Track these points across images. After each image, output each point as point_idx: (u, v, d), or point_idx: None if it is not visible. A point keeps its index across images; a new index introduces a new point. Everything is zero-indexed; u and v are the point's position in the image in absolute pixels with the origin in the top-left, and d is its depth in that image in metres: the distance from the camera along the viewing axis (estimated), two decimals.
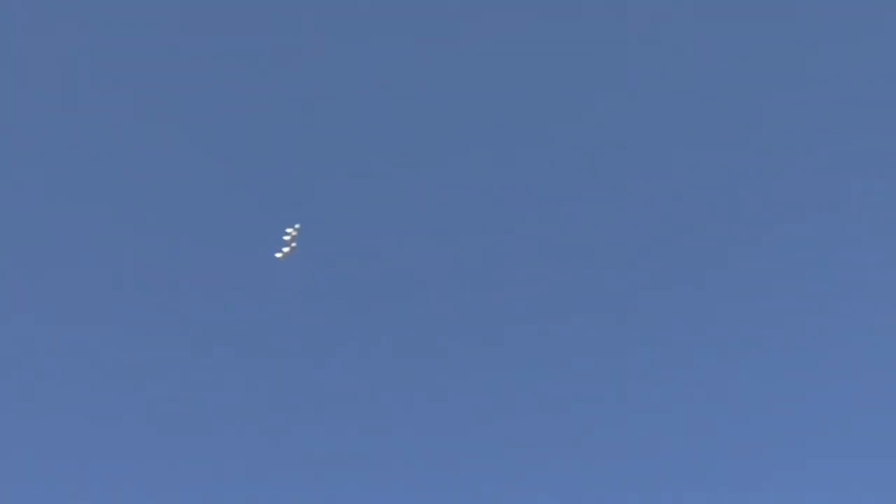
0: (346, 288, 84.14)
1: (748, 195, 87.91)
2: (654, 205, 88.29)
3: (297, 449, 77.63)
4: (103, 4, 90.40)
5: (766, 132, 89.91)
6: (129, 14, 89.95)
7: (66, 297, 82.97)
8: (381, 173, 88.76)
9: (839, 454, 76.50)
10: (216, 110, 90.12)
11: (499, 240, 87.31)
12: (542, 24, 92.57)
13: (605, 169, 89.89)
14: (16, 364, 79.59)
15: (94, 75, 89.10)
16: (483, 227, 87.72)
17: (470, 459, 77.36)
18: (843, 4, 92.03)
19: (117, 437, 77.48)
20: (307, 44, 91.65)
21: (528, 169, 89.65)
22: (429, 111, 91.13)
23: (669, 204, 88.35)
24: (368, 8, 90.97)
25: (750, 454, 77.20)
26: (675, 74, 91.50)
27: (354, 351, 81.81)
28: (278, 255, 60.03)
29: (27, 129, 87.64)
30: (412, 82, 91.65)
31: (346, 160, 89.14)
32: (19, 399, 78.24)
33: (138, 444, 77.17)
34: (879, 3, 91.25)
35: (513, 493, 75.45)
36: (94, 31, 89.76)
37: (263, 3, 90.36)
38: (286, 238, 60.98)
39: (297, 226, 60.59)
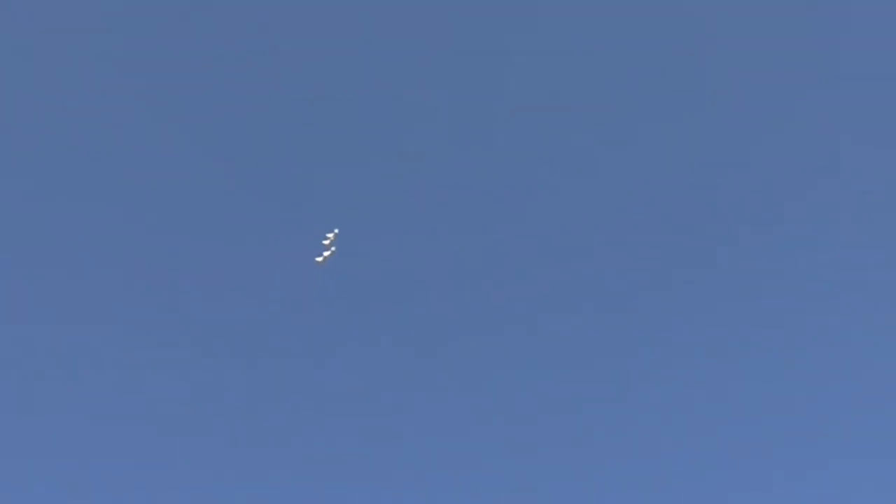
0: (347, 287, 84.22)
1: (750, 195, 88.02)
2: (654, 204, 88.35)
3: (297, 449, 77.70)
4: (104, 4, 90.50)
5: (766, 132, 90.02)
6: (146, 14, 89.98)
7: (74, 298, 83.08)
8: (382, 172, 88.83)
9: (840, 454, 76.64)
10: (223, 110, 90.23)
11: (498, 240, 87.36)
12: (539, 23, 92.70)
13: (605, 168, 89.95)
14: (16, 364, 79.65)
15: (114, 75, 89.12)
16: (483, 228, 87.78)
17: (470, 459, 77.43)
18: (844, 4, 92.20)
19: (117, 437, 77.60)
20: (329, 47, 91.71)
21: (529, 168, 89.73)
22: (428, 109, 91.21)
23: (670, 204, 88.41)
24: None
25: (750, 454, 77.33)
26: (676, 74, 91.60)
27: (354, 351, 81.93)
28: (318, 259, 61.76)
29: (29, 129, 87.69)
30: (408, 81, 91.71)
31: (346, 160, 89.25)
32: (19, 399, 78.28)
33: (138, 444, 77.26)
34: (879, 3, 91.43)
35: (513, 493, 75.53)
36: (100, 31, 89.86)
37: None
38: (325, 242, 62.74)
39: (335, 230, 62.04)
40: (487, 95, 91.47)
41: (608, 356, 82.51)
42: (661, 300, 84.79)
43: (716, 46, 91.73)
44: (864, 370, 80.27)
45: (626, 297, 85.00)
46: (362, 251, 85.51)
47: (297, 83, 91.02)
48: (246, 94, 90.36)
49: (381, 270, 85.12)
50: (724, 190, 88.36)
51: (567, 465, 76.93)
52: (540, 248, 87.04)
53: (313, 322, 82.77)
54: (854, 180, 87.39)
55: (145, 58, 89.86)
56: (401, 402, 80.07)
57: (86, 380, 79.41)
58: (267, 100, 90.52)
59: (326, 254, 61.73)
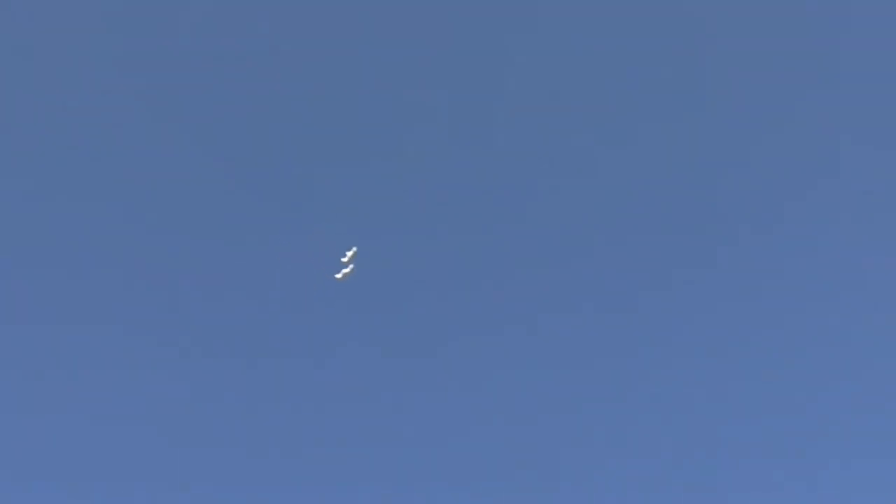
0: (348, 287, 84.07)
1: (750, 194, 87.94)
2: (654, 204, 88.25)
3: (297, 449, 77.65)
4: (103, 4, 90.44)
5: (767, 132, 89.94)
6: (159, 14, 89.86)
7: (74, 297, 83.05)
8: (382, 172, 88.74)
9: (841, 455, 76.58)
10: (221, 110, 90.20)
11: (498, 240, 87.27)
12: (540, 23, 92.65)
13: (605, 168, 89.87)
14: (16, 364, 79.61)
15: (123, 75, 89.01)
16: (483, 228, 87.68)
17: (470, 460, 77.37)
18: (844, 4, 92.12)
19: (117, 437, 77.56)
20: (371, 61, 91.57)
21: (529, 168, 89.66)
22: (427, 109, 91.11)
23: (670, 203, 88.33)
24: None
25: (750, 455, 77.27)
26: (676, 73, 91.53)
27: (355, 352, 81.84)
28: (338, 275, 64.42)
29: (29, 128, 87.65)
30: (406, 79, 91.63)
31: (345, 160, 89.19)
32: (18, 399, 78.24)
33: (138, 444, 77.21)
34: (878, 4, 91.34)
35: (513, 493, 75.48)
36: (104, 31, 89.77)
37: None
38: (344, 260, 65.12)
39: (354, 249, 64.84)
40: (486, 95, 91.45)
41: (608, 356, 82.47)
42: (661, 300, 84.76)
43: (716, 46, 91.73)
44: (864, 370, 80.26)
45: (626, 297, 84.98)
46: (365, 252, 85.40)
47: (292, 85, 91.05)
48: (247, 95, 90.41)
49: (382, 271, 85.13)
50: (724, 190, 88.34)
51: (567, 466, 76.90)
52: (540, 247, 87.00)
53: (314, 322, 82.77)
54: (854, 180, 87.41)
55: (150, 58, 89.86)
56: (401, 403, 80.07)
57: (85, 380, 79.51)
58: (269, 100, 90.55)
59: (346, 271, 63.81)
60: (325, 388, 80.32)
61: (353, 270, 64.23)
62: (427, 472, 76.57)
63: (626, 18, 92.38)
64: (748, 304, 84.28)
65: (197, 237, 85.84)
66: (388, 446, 78.01)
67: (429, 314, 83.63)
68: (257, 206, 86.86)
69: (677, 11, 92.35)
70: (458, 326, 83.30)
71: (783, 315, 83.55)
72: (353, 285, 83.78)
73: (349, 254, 64.52)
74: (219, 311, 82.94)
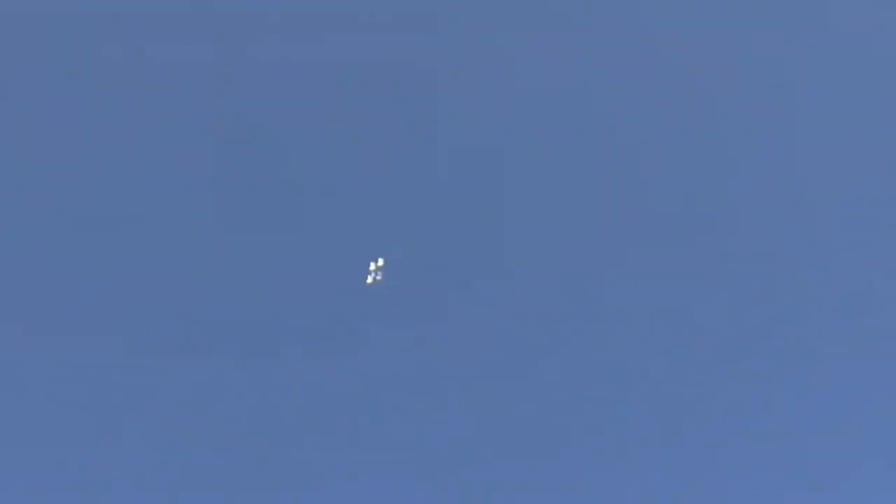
0: (349, 288, 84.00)
1: (750, 194, 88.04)
2: (658, 203, 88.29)
3: (297, 452, 77.54)
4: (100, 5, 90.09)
5: (767, 131, 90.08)
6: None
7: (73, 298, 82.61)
8: (380, 169, 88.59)
9: (845, 456, 76.67)
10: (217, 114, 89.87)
11: (498, 239, 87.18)
12: (537, 26, 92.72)
13: (605, 167, 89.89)
14: (13, 364, 79.30)
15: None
16: (482, 228, 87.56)
17: (470, 463, 77.35)
18: (841, 5, 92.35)
19: (116, 438, 77.35)
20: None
21: (527, 168, 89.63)
22: (425, 105, 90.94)
23: (670, 203, 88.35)
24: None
25: (751, 456, 77.38)
26: (674, 72, 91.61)
27: (354, 352, 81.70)
28: (369, 280, 66.99)
29: (27, 126, 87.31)
30: (399, 78, 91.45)
31: (342, 159, 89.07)
32: (15, 400, 77.94)
33: (138, 446, 77.01)
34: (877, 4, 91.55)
35: (513, 494, 75.48)
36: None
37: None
38: (372, 268, 67.32)
39: (382, 259, 67.35)
40: (478, 95, 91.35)
41: (608, 356, 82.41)
42: (661, 300, 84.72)
43: (715, 47, 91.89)
44: (866, 371, 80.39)
45: (626, 297, 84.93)
46: (365, 251, 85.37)
47: (282, 92, 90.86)
48: (239, 96, 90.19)
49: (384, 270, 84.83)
50: (723, 189, 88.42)
51: (568, 468, 76.91)
52: (539, 248, 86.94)
53: (314, 323, 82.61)
54: (854, 180, 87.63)
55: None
56: (399, 405, 79.99)
57: (83, 381, 79.25)
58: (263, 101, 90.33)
59: (378, 277, 66.41)
60: (326, 389, 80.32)
61: (382, 278, 65.34)
62: (427, 474, 76.58)
63: (624, 20, 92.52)
64: (748, 304, 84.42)
65: (198, 236, 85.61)
66: (387, 448, 78.07)
67: (424, 313, 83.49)
68: (259, 203, 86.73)
69: (675, 13, 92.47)
70: (455, 327, 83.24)
71: (784, 315, 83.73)
72: (355, 285, 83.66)
73: (378, 263, 66.31)
74: (220, 312, 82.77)
